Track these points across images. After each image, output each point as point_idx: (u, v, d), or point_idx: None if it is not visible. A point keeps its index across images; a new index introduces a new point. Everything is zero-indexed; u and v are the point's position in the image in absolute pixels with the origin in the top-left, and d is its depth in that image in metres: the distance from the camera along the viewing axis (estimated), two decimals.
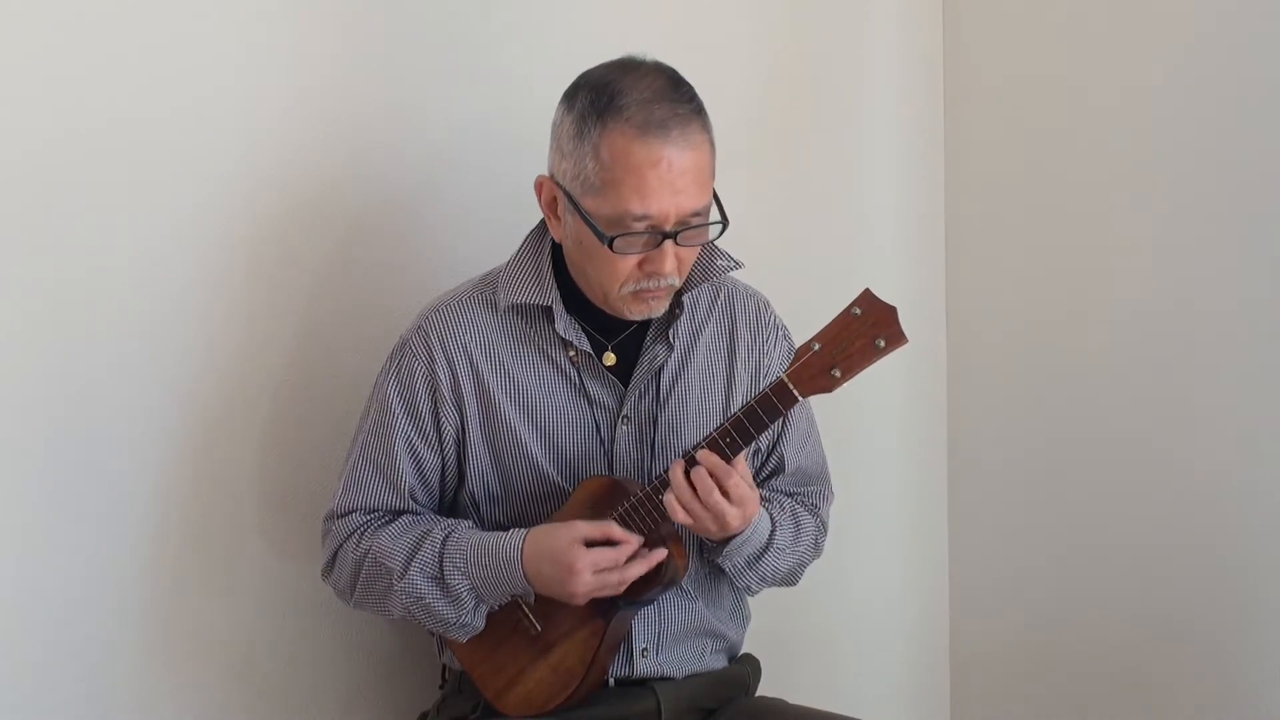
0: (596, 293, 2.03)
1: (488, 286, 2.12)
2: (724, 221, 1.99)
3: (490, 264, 2.17)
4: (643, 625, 2.09)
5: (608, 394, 2.09)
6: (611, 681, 2.09)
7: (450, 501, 2.15)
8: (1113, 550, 2.76)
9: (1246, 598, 2.56)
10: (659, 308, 2.03)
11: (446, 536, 2.03)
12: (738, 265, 2.11)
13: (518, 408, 2.08)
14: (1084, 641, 2.81)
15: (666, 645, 2.12)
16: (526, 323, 2.09)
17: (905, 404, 2.99)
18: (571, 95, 1.99)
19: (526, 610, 2.03)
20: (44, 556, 2.08)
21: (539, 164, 2.06)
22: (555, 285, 2.06)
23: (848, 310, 1.89)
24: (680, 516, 1.93)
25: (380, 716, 2.39)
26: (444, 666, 2.21)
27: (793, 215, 2.84)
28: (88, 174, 2.08)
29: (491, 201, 2.42)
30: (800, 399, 1.91)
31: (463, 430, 2.09)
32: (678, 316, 2.09)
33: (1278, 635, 2.53)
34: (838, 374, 1.89)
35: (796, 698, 2.22)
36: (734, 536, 2.01)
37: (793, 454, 2.20)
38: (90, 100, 2.08)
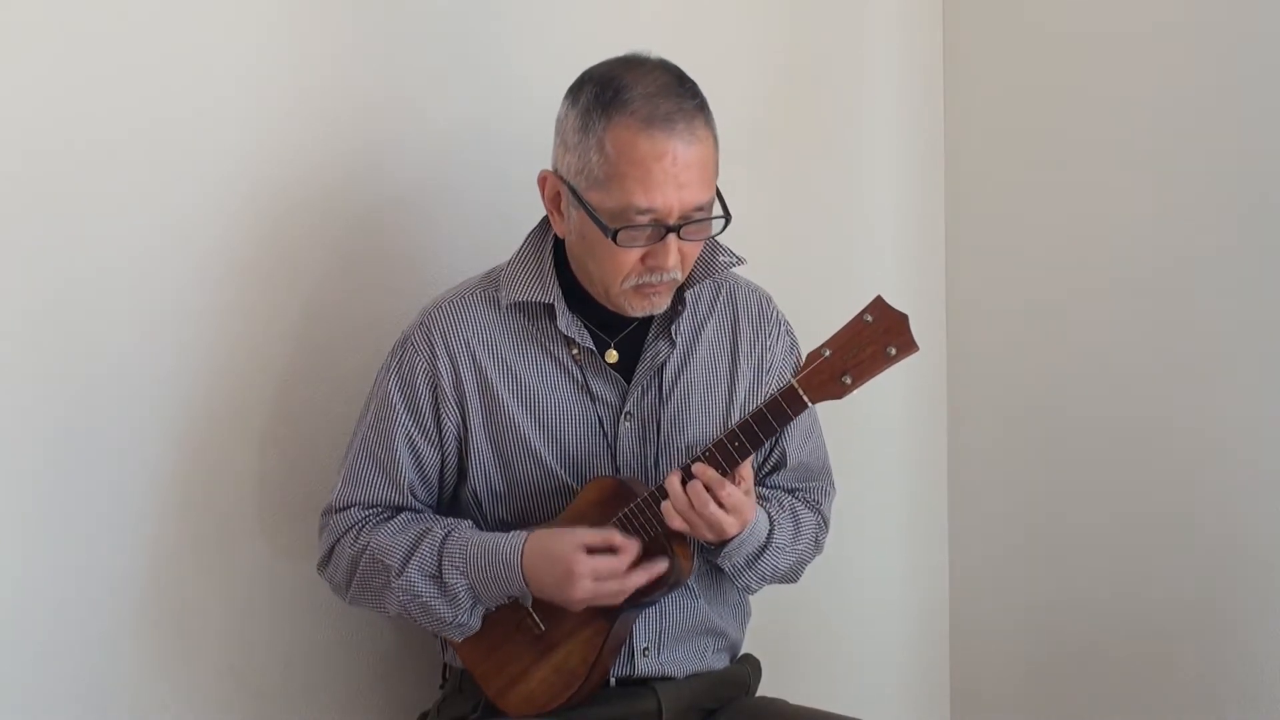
0: (598, 288, 2.03)
1: (490, 284, 2.12)
2: (726, 216, 1.99)
3: (492, 262, 2.17)
4: (644, 625, 2.09)
5: (610, 391, 2.09)
6: (612, 681, 2.09)
7: (450, 498, 2.15)
8: (1113, 549, 2.76)
9: (1247, 595, 2.56)
10: (661, 303, 2.03)
11: (446, 535, 2.03)
12: (740, 261, 2.11)
13: (521, 404, 2.08)
14: (1084, 641, 2.81)
15: (668, 645, 2.12)
16: (529, 320, 2.09)
17: (905, 403, 2.99)
18: (576, 90, 1.99)
19: (530, 609, 2.03)
20: (43, 555, 2.08)
21: (541, 163, 2.06)
22: (557, 282, 2.06)
23: (859, 317, 1.89)
24: (677, 524, 1.94)
25: (380, 716, 2.38)
26: (445, 666, 2.21)
27: (793, 215, 2.84)
28: (88, 174, 2.08)
29: (493, 200, 2.42)
30: (810, 405, 1.91)
31: (464, 427, 2.09)
32: (680, 313, 2.09)
33: (1275, 640, 2.53)
34: (848, 381, 1.89)
35: (796, 698, 2.22)
36: (731, 539, 2.01)
37: (795, 449, 2.20)
38: (91, 101, 2.07)
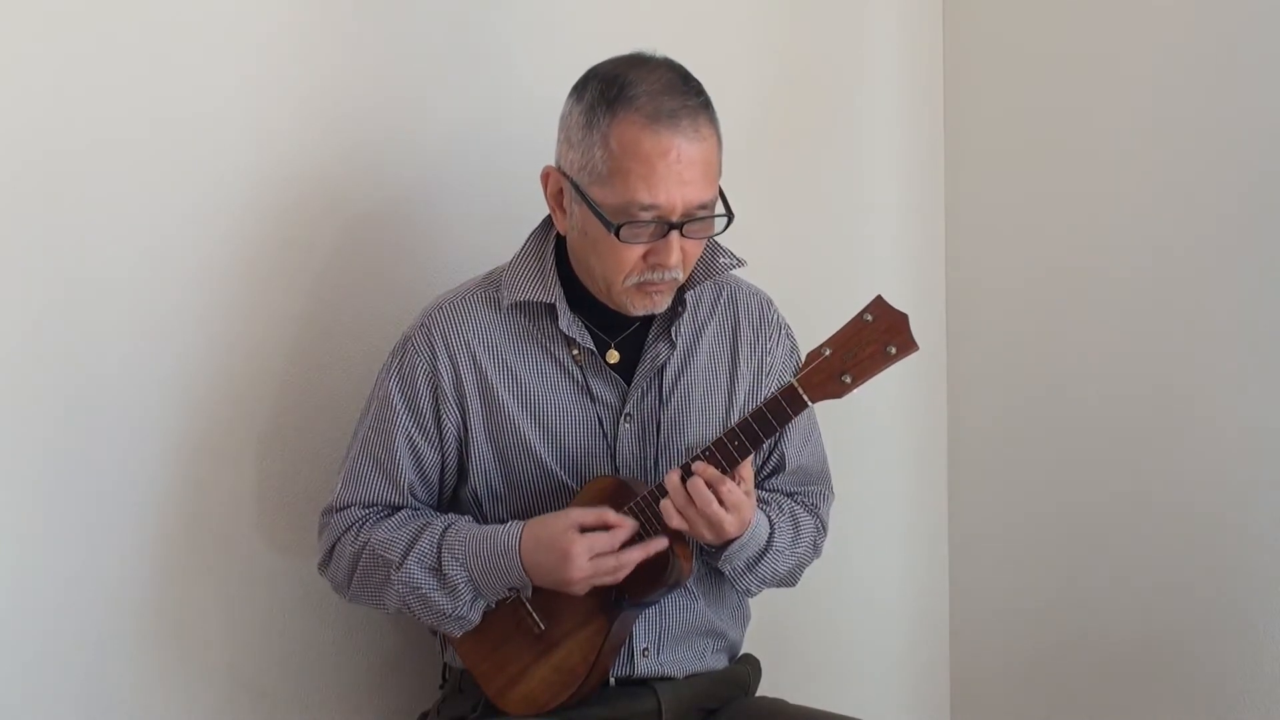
0: (600, 286, 2.03)
1: (491, 284, 2.12)
2: (729, 215, 2.00)
3: (494, 261, 2.17)
4: (644, 625, 2.09)
5: (610, 391, 2.09)
6: (612, 681, 2.09)
7: (450, 499, 2.15)
8: (1113, 551, 2.76)
9: (1248, 594, 2.56)
10: (662, 302, 2.03)
11: (446, 529, 2.04)
12: (740, 263, 2.11)
13: (521, 405, 2.08)
14: (1084, 642, 2.81)
15: (667, 645, 2.12)
16: (530, 320, 2.09)
17: (905, 404, 2.99)
18: (581, 87, 1.99)
19: (530, 608, 2.03)
20: (43, 554, 2.08)
21: (544, 163, 2.06)
22: (559, 283, 2.06)
23: (859, 316, 1.89)
24: (676, 522, 1.94)
25: (380, 716, 2.38)
26: (445, 665, 2.21)
27: (793, 215, 2.84)
28: (89, 175, 2.08)
29: (495, 200, 2.42)
30: (810, 404, 1.91)
31: (464, 428, 2.09)
32: (680, 314, 2.09)
33: (1275, 644, 2.53)
34: (848, 380, 1.89)
35: (796, 698, 2.22)
36: (731, 541, 2.01)
37: (794, 453, 2.20)
38: (92, 101, 2.07)
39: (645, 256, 1.97)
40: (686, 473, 1.94)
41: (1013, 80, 2.90)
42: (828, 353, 1.89)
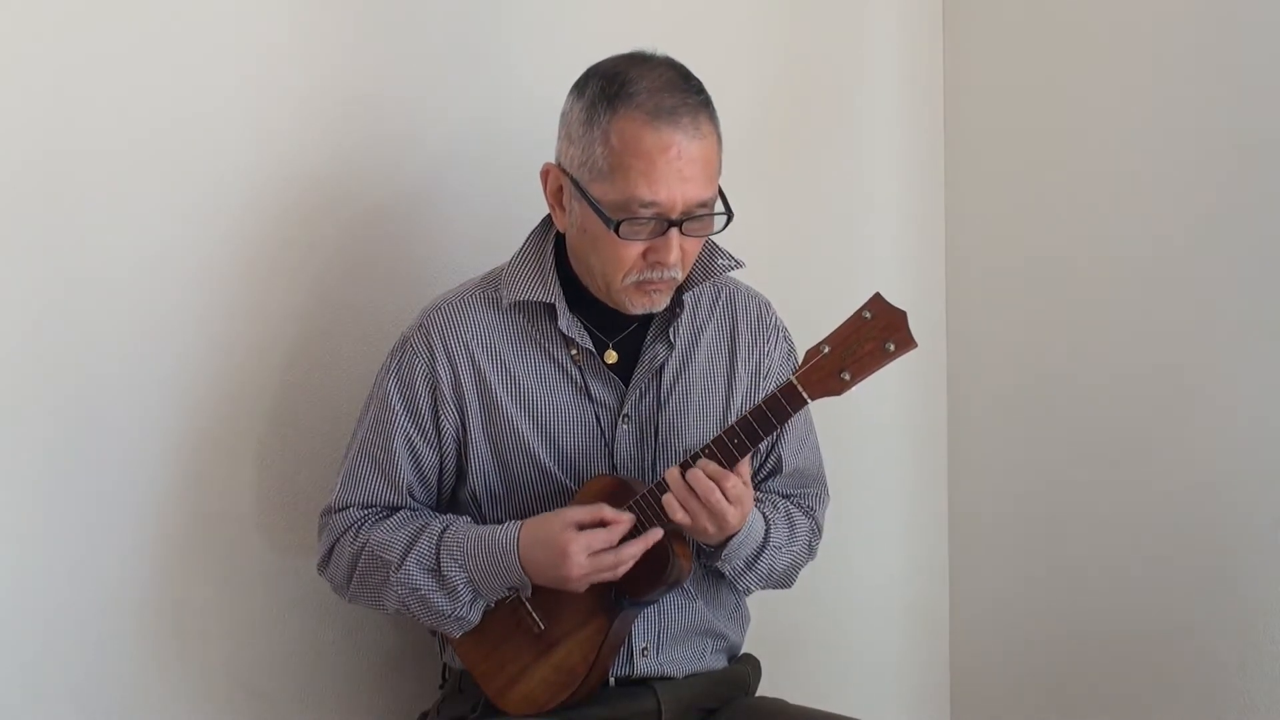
0: (599, 284, 2.03)
1: (490, 285, 2.12)
2: (729, 213, 1.99)
3: (494, 261, 2.17)
4: (643, 625, 2.09)
5: (609, 392, 2.09)
6: (612, 681, 2.09)
7: (449, 499, 2.15)
8: (1113, 551, 2.76)
9: (1249, 594, 2.56)
10: (660, 301, 2.03)
11: (444, 529, 2.04)
12: (738, 264, 2.11)
13: (519, 405, 2.08)
14: (1084, 642, 2.81)
15: (667, 645, 2.12)
16: (529, 320, 2.09)
17: (905, 405, 2.99)
18: (582, 84, 2.00)
19: (529, 608, 2.03)
20: (43, 553, 2.08)
21: (544, 162, 2.06)
22: (558, 282, 2.06)
23: (858, 313, 1.89)
24: (679, 516, 1.93)
25: (380, 716, 2.38)
26: (444, 666, 2.21)
27: (793, 216, 2.84)
28: (90, 174, 2.08)
29: (495, 199, 2.42)
30: (809, 401, 1.91)
31: (463, 429, 2.09)
32: (679, 315, 2.09)
33: (1278, 639, 2.53)
34: (847, 377, 1.89)
35: (796, 698, 2.22)
36: (730, 539, 2.01)
37: (790, 455, 2.20)
38: (93, 102, 2.08)
39: (644, 254, 1.97)
40: (685, 468, 1.93)
41: (1013, 80, 2.90)
42: (826, 350, 1.89)
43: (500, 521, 2.06)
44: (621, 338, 2.10)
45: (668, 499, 1.93)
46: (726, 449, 1.92)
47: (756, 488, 2.15)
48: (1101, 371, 2.76)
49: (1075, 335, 2.81)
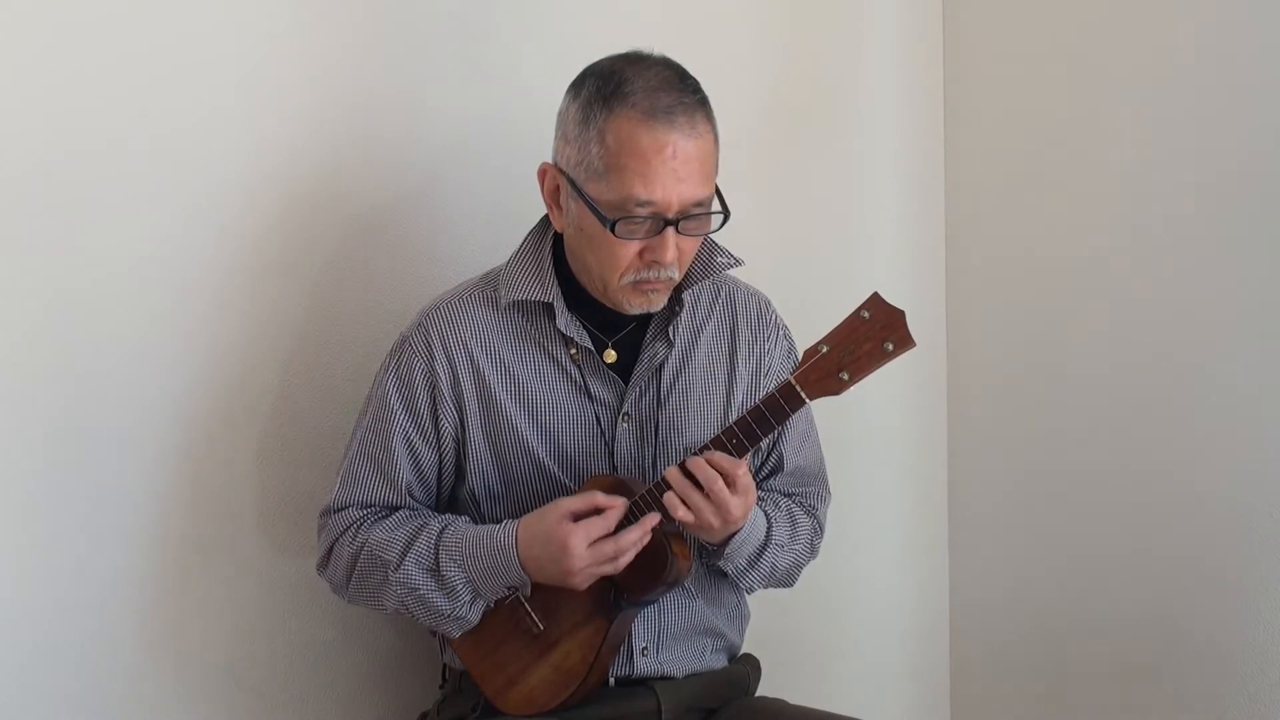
0: (596, 284, 2.03)
1: (488, 284, 2.12)
2: (725, 212, 1.99)
3: (493, 260, 2.18)
4: (643, 624, 2.09)
5: (609, 391, 2.09)
6: (612, 681, 2.09)
7: (448, 499, 2.15)
8: (1112, 551, 2.76)
9: (1249, 594, 2.56)
10: (658, 301, 2.03)
11: (443, 529, 2.03)
12: (737, 263, 2.11)
13: (519, 405, 2.08)
14: (1084, 642, 2.81)
15: (667, 644, 2.12)
16: (527, 320, 2.09)
17: (905, 405, 2.99)
18: (579, 84, 2.00)
19: (529, 608, 2.03)
20: (42, 554, 2.08)
21: (541, 163, 2.06)
22: (556, 282, 2.06)
23: (856, 313, 1.88)
24: (681, 513, 1.92)
25: (380, 716, 2.38)
26: (445, 666, 2.21)
27: (793, 216, 2.84)
28: (90, 174, 2.08)
29: (494, 199, 2.42)
30: (808, 401, 1.90)
31: (462, 428, 2.09)
32: (678, 314, 2.09)
33: (1277, 638, 2.53)
34: (845, 377, 1.88)
35: (796, 698, 2.22)
36: (733, 537, 2.01)
37: (791, 453, 2.20)
38: (93, 103, 2.08)
39: (641, 254, 1.97)
40: (684, 469, 1.93)
41: (1013, 80, 2.90)
42: (825, 349, 1.89)
43: (500, 521, 2.07)
44: (620, 336, 2.10)
45: (669, 497, 1.93)
46: (725, 449, 1.92)
47: (758, 486, 2.15)
48: (1101, 371, 2.76)
49: (1075, 335, 2.81)
